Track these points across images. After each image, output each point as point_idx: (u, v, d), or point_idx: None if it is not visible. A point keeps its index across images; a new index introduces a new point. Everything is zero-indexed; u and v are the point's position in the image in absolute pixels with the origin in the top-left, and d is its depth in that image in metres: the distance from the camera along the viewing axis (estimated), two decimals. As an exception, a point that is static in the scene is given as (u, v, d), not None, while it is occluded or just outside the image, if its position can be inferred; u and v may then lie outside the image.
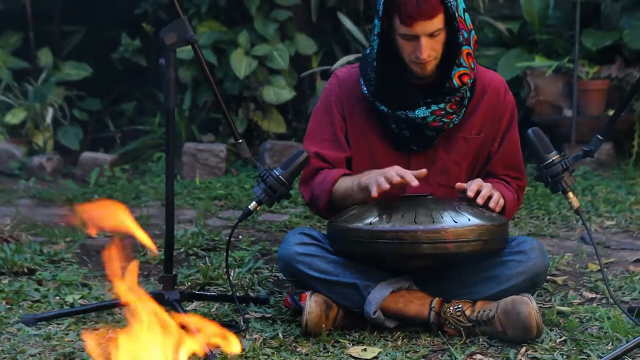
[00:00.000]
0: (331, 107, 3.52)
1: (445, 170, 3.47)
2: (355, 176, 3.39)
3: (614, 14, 6.74)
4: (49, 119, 6.98)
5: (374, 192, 3.22)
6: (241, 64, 6.61)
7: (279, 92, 6.77)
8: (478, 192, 3.27)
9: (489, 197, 3.27)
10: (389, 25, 3.33)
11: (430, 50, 3.30)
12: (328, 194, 3.41)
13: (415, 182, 3.21)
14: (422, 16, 3.24)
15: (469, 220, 3.18)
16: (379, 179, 3.23)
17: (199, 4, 6.86)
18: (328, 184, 3.41)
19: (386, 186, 3.21)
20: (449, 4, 3.28)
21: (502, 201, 3.32)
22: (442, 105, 3.39)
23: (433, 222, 3.16)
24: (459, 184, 3.31)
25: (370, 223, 3.20)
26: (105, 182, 6.33)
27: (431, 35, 3.28)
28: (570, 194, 3.28)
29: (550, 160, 3.26)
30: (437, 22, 3.28)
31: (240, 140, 3.40)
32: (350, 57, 6.55)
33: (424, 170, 3.26)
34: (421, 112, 3.39)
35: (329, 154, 3.48)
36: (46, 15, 7.58)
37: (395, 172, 3.23)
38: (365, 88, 3.44)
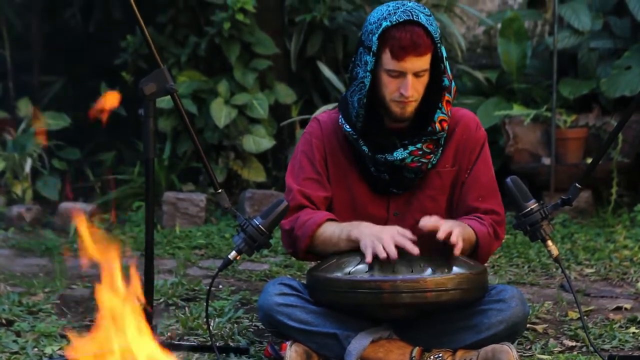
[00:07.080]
0: (312, 149, 3.52)
1: (422, 208, 3.47)
2: (342, 224, 3.38)
3: (590, 63, 6.80)
4: (27, 168, 6.95)
5: (369, 258, 3.19)
6: (221, 113, 6.62)
7: (259, 141, 6.77)
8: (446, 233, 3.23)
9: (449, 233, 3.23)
10: (374, 63, 3.35)
11: (413, 91, 3.32)
12: (309, 239, 3.39)
13: (416, 251, 3.20)
14: (414, 51, 3.26)
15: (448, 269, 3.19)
16: (377, 245, 3.21)
17: (179, 53, 6.88)
18: (311, 228, 3.38)
19: (383, 255, 3.19)
20: (438, 45, 3.31)
21: (468, 233, 3.30)
22: (419, 145, 3.41)
23: (412, 271, 3.16)
24: (422, 223, 3.26)
25: (349, 273, 3.20)
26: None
27: (417, 74, 3.31)
28: (549, 242, 3.29)
29: (529, 208, 3.27)
30: (425, 62, 3.31)
31: (220, 190, 3.40)
32: (330, 106, 6.56)
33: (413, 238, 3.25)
34: (399, 154, 3.40)
35: (312, 193, 3.47)
36: (25, 66, 7.58)
37: (393, 239, 3.22)
38: (348, 127, 3.45)
